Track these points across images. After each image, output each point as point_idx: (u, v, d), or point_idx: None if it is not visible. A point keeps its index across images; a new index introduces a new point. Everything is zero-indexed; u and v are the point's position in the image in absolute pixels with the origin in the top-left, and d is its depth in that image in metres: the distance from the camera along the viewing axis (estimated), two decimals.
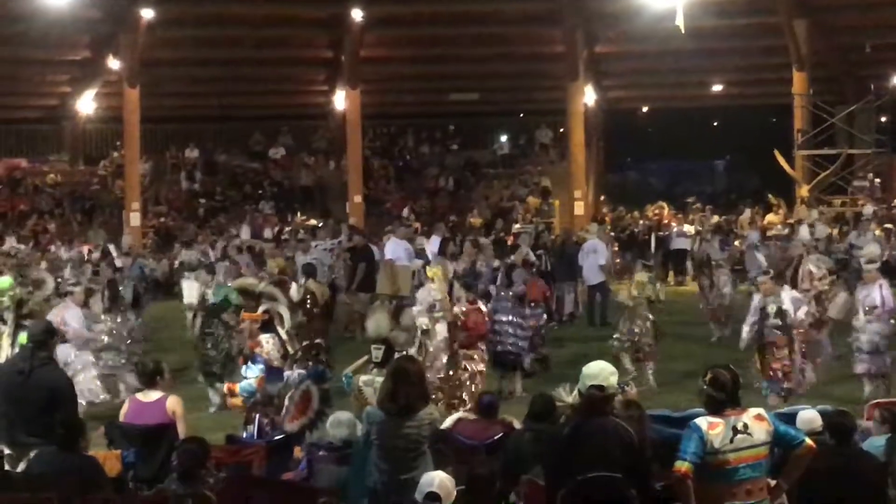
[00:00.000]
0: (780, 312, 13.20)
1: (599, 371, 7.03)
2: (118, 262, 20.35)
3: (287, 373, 11.26)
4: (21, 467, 8.60)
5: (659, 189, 48.82)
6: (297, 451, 9.61)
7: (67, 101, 35.53)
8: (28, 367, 8.92)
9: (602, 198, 36.31)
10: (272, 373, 11.39)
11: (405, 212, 32.39)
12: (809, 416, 8.54)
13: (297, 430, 9.92)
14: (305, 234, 25.92)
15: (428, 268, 15.40)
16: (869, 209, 28.16)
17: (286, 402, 10.51)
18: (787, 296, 13.37)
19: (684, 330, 19.09)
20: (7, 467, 8.67)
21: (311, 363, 12.60)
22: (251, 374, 11.39)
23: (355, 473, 8.29)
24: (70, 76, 34.78)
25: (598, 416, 6.86)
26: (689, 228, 27.66)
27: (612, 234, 27.32)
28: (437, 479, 6.97)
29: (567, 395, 8.60)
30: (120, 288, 16.15)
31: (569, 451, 6.85)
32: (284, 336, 12.17)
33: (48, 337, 9.34)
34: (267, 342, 11.69)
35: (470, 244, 20.66)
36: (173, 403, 9.34)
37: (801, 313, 13.32)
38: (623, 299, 15.56)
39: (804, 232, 22.02)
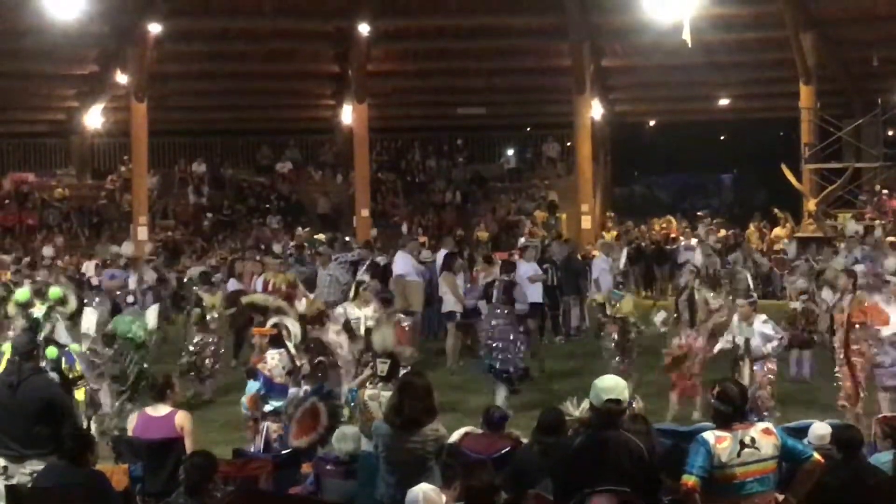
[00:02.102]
0: (747, 342, 13.04)
1: (616, 385, 7.02)
2: (94, 280, 20.18)
3: (292, 389, 11.24)
4: (17, 480, 8.60)
5: (666, 203, 48.80)
6: (307, 467, 9.60)
7: (75, 115, 35.58)
8: (16, 379, 8.92)
9: (607, 213, 36.23)
10: (274, 389, 11.36)
11: (404, 228, 32.33)
12: (822, 432, 8.52)
13: (304, 446, 9.92)
14: (326, 247, 25.56)
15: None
16: (854, 226, 28.09)
17: (288, 420, 10.53)
18: (759, 327, 13.05)
19: None
20: (5, 480, 8.68)
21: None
22: (249, 391, 11.40)
23: (362, 487, 8.30)
24: (77, 90, 34.85)
25: (609, 430, 6.85)
26: (695, 242, 27.60)
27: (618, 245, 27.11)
28: (420, 494, 6.85)
29: (574, 409, 8.61)
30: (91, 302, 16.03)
31: (579, 464, 6.84)
32: (293, 351, 12.13)
33: (34, 348, 9.35)
34: (273, 358, 11.64)
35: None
36: (182, 418, 9.34)
37: (768, 348, 12.99)
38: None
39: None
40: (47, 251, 27.24)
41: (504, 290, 15.36)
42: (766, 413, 12.38)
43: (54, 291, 12.22)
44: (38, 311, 11.38)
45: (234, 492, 8.33)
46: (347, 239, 27.60)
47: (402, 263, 19.99)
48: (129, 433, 9.48)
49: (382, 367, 10.19)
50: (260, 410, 11.15)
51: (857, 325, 13.29)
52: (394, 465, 7.73)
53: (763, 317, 13.34)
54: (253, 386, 11.34)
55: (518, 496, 7.81)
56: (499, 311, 15.20)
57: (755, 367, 12.85)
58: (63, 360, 10.83)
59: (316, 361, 12.07)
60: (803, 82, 31.43)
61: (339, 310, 15.12)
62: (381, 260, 21.63)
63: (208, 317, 16.52)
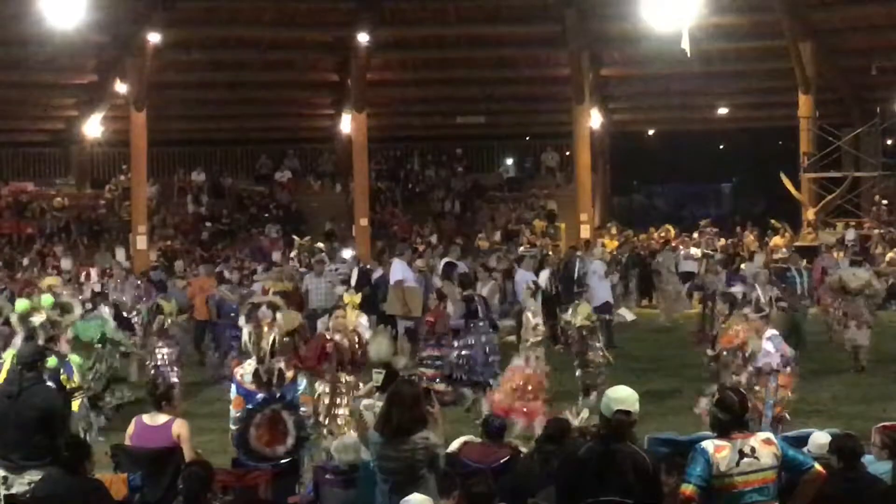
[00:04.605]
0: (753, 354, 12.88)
1: (627, 396, 6.93)
2: (96, 287, 20.08)
3: (259, 395, 11.14)
4: (17, 489, 8.58)
5: (665, 212, 48.85)
6: None
7: (74, 124, 35.60)
8: (17, 389, 8.89)
9: (608, 223, 36.18)
10: (248, 394, 11.27)
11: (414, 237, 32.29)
12: (822, 441, 8.50)
13: (281, 454, 9.79)
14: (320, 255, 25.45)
15: (346, 294, 15.40)
16: (851, 234, 28.08)
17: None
18: (765, 340, 12.71)
19: (692, 353, 18.98)
20: (5, 491, 8.66)
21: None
22: (233, 394, 11.35)
23: (362, 497, 8.28)
24: (77, 100, 34.87)
25: (617, 442, 6.80)
26: (696, 251, 27.59)
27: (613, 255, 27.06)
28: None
29: (574, 418, 8.60)
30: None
31: (584, 474, 6.78)
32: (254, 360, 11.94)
33: (38, 359, 9.31)
34: (249, 364, 11.54)
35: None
36: (179, 427, 9.31)
37: (773, 362, 12.52)
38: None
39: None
40: (66, 264, 27.07)
41: (486, 306, 15.37)
42: (780, 425, 12.12)
43: (46, 299, 12.23)
44: (38, 319, 11.39)
45: (232, 501, 8.30)
46: (346, 256, 27.48)
47: (400, 270, 20.00)
48: (127, 441, 9.46)
49: (378, 377, 10.18)
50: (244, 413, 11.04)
51: (725, 352, 13.03)
52: (386, 473, 7.71)
53: (773, 331, 12.98)
54: (232, 389, 11.28)
55: None
56: (482, 324, 15.11)
57: (769, 381, 12.62)
58: (62, 370, 10.82)
59: (277, 369, 11.85)
60: (802, 91, 31.48)
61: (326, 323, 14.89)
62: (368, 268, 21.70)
63: (166, 324, 16.47)
